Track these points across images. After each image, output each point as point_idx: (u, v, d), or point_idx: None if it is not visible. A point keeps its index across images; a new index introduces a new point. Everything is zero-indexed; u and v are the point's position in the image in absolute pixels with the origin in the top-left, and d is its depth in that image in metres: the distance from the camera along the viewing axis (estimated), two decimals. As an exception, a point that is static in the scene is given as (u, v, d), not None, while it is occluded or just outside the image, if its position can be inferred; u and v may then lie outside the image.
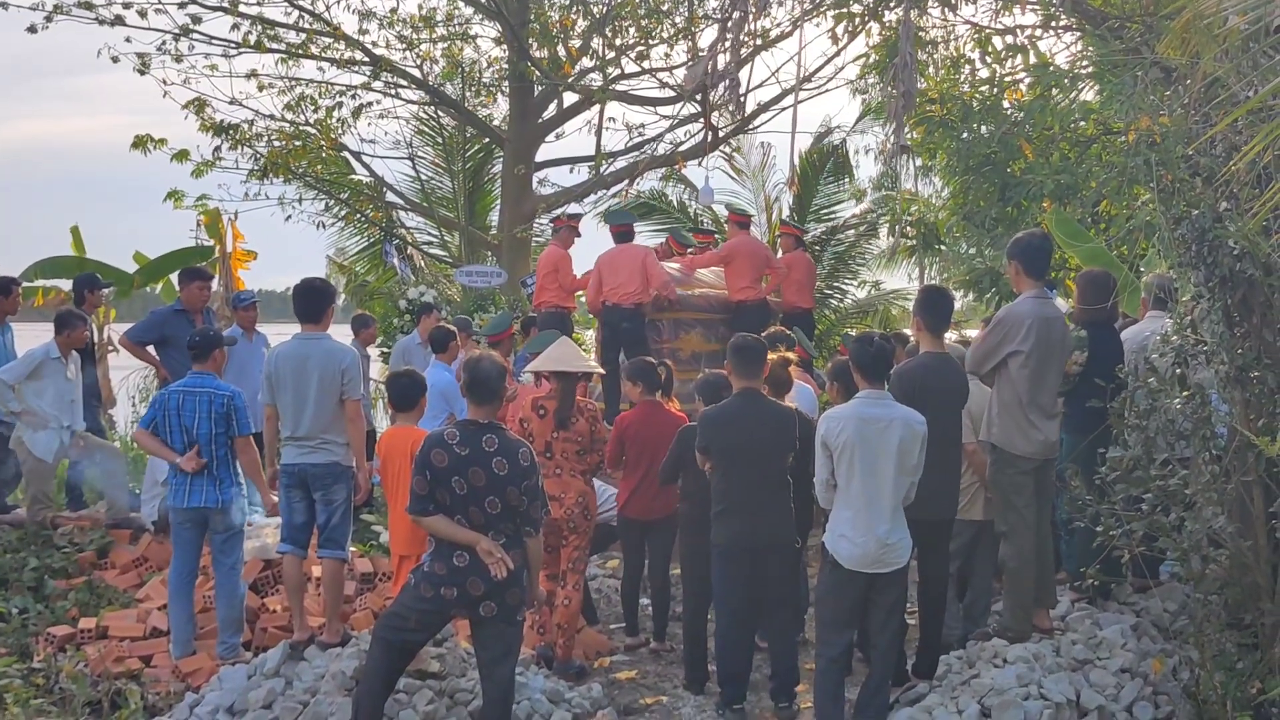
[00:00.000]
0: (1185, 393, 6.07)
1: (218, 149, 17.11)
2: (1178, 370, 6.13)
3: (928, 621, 6.82)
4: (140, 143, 16.67)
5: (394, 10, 18.08)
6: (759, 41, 15.36)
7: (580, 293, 12.33)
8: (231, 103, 17.19)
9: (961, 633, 7.16)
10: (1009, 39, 9.73)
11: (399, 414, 7.05)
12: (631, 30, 17.63)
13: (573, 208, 16.35)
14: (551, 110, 18.90)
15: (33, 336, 10.61)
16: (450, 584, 5.53)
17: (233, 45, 16.96)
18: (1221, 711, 5.61)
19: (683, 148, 17.08)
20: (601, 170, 17.90)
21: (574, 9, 17.44)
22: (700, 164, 17.20)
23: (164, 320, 10.00)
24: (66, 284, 15.05)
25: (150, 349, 10.07)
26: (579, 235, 12.67)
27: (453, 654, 6.55)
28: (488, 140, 20.03)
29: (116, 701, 6.62)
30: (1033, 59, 9.76)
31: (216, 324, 10.76)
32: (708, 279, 12.43)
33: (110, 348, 13.08)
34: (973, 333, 13.53)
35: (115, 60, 16.38)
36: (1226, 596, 5.84)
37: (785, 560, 6.79)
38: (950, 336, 7.75)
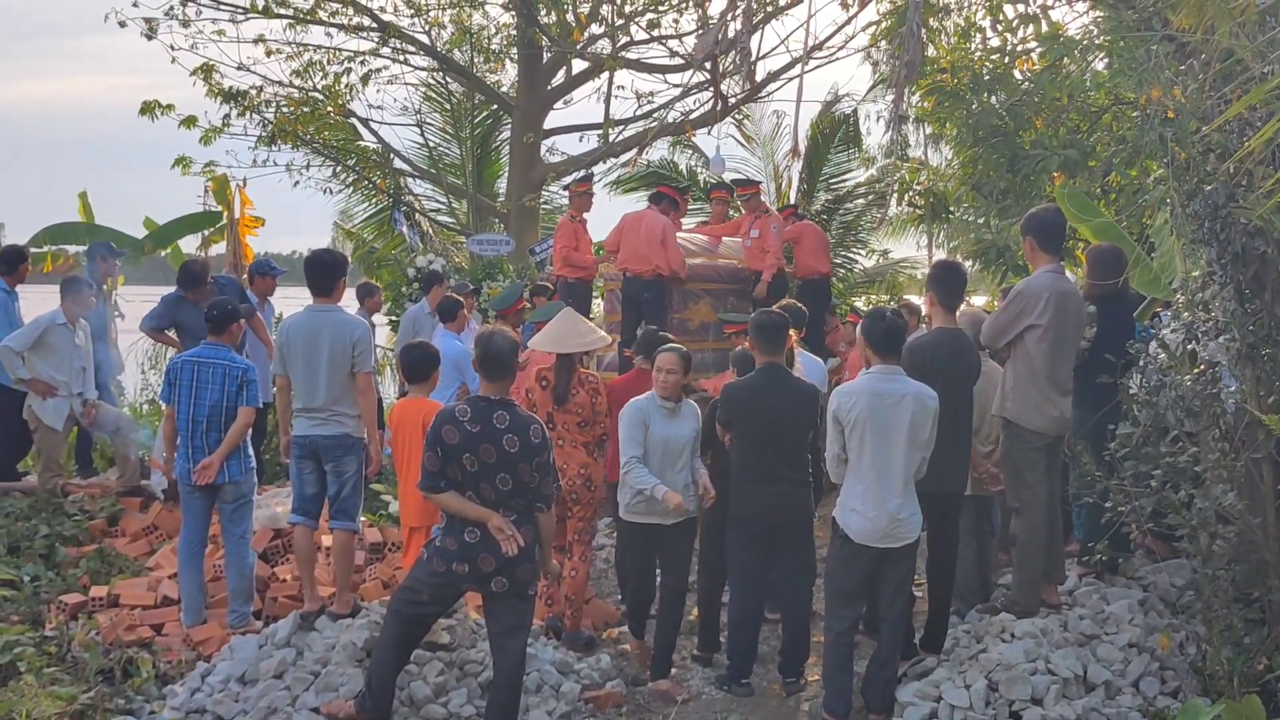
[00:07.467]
0: (1196, 369, 6.06)
1: (226, 116, 17.05)
2: (1188, 346, 6.11)
3: (936, 596, 6.84)
4: (148, 109, 16.58)
5: (402, -25, 17.94)
6: (769, 9, 15.31)
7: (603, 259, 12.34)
8: (239, 68, 17.11)
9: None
10: (1020, 7, 9.69)
11: (411, 385, 7.05)
12: (640, -2, 17.53)
13: (581, 172, 16.26)
14: (560, 77, 18.80)
15: (40, 302, 10.64)
16: (462, 560, 5.55)
17: (240, 10, 16.86)
18: (1228, 687, 5.62)
19: (692, 116, 17.01)
20: (610, 138, 17.84)
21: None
22: (710, 132, 17.13)
23: (177, 304, 9.90)
24: (75, 249, 15.05)
25: (171, 332, 10.01)
26: (592, 196, 12.59)
27: (463, 625, 6.60)
28: (496, 107, 19.95)
29: (128, 670, 6.63)
30: (1044, 28, 9.72)
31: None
32: (705, 247, 12.28)
33: (118, 314, 13.06)
34: (980, 300, 13.58)
35: (123, 25, 16.34)
36: (1234, 573, 5.84)
37: (803, 534, 6.80)
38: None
